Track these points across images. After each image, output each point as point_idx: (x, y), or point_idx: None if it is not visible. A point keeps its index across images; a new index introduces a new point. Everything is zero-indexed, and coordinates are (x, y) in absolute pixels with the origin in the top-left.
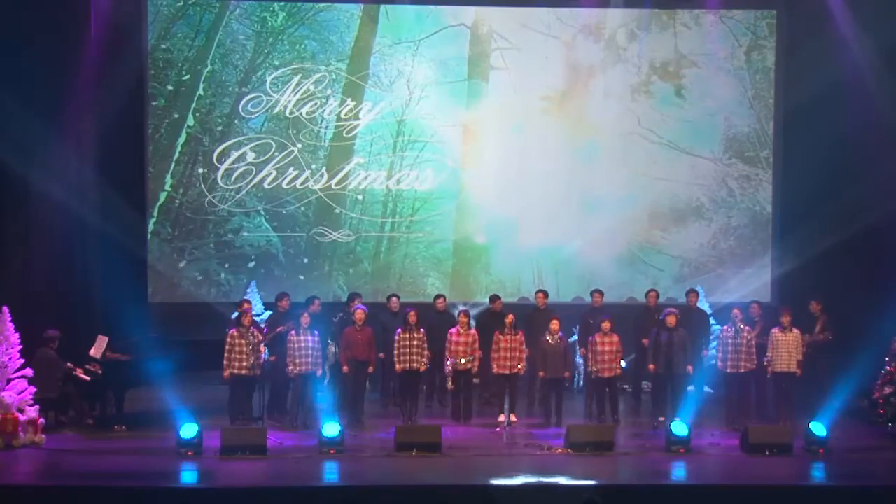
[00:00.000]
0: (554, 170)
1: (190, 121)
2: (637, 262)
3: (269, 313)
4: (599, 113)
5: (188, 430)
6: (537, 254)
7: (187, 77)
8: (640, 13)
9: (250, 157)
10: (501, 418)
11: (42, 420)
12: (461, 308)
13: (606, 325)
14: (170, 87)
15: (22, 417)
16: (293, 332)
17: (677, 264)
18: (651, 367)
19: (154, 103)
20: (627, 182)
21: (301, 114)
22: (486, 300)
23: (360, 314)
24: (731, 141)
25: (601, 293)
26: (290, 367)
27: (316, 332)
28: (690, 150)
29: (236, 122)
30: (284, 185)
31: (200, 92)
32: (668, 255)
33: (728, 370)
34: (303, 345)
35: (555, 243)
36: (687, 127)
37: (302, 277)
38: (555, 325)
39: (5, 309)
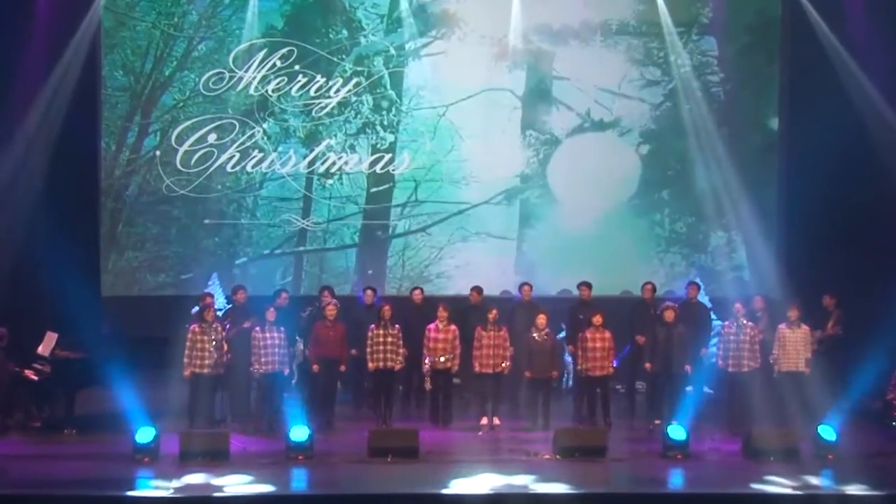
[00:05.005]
0: (545, 157)
1: (143, 100)
2: (635, 254)
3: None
4: (598, 105)
5: (144, 434)
6: (522, 243)
7: (142, 54)
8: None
9: (211, 138)
10: (484, 421)
11: None
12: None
13: (598, 319)
14: (123, 67)
15: None
16: (257, 328)
17: (677, 258)
18: (647, 365)
19: (109, 88)
20: (626, 174)
21: (267, 91)
22: (467, 293)
23: (331, 309)
24: (734, 133)
25: (589, 286)
26: (255, 367)
27: (282, 328)
28: (692, 145)
29: (196, 100)
30: (249, 168)
31: (153, 70)
32: (667, 248)
33: (730, 369)
34: (268, 342)
35: (542, 232)
36: (688, 123)
37: (267, 268)
38: (542, 320)
39: None
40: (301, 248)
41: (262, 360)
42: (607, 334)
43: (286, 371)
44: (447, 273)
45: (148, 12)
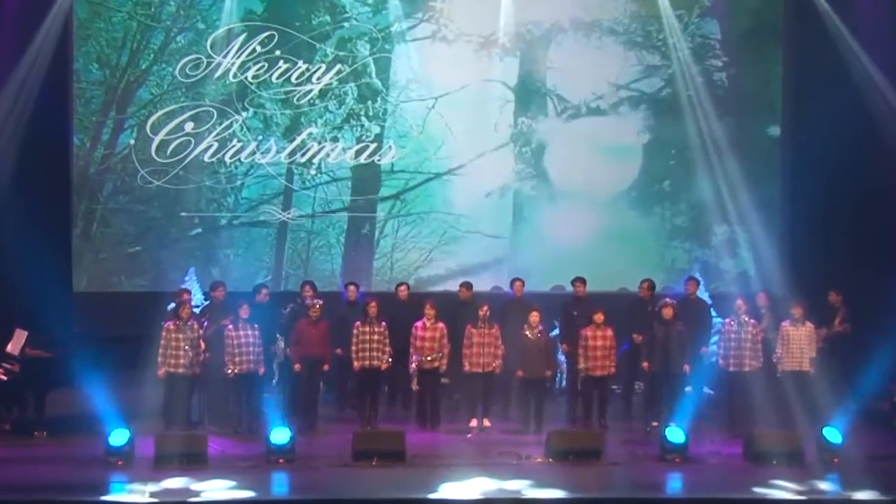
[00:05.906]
0: (538, 150)
1: (118, 95)
2: (633, 249)
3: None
4: (594, 94)
5: (118, 437)
6: (515, 240)
7: (117, 47)
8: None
9: (188, 127)
10: (473, 423)
11: None
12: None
13: (599, 316)
14: (98, 60)
15: None
16: (230, 326)
17: (678, 252)
18: (645, 364)
19: (83, 82)
20: (624, 165)
21: (246, 78)
22: (455, 288)
23: (316, 311)
24: (736, 121)
25: (584, 281)
26: (230, 367)
27: (256, 326)
28: (693, 134)
29: (172, 88)
30: (227, 158)
31: (129, 63)
32: (667, 242)
33: (730, 368)
34: (242, 340)
35: (536, 227)
36: (688, 111)
37: (247, 263)
38: (535, 317)
39: None
40: (286, 217)
41: (237, 359)
42: (609, 332)
43: (261, 370)
44: (438, 276)
45: (124, 2)
